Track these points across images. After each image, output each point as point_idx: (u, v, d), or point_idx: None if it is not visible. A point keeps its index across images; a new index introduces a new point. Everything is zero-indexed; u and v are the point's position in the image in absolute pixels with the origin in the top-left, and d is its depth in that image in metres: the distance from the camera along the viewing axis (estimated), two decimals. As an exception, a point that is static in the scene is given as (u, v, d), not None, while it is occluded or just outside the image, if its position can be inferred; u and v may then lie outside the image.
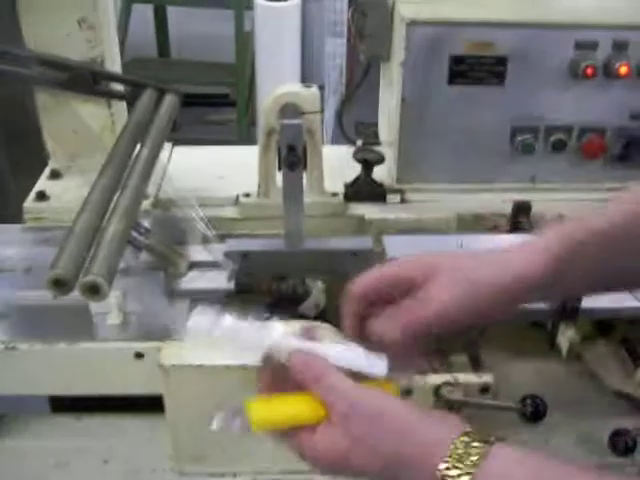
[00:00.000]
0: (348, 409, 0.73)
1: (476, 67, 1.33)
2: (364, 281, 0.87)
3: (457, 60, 1.33)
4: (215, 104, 4.73)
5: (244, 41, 4.00)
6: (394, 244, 1.20)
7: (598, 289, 0.90)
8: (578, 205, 1.44)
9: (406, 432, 0.71)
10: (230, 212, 1.40)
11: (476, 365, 1.17)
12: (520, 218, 1.36)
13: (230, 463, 1.15)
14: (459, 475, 0.65)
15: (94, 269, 0.87)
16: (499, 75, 1.34)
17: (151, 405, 1.22)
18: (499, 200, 1.42)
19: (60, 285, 0.87)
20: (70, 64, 1.38)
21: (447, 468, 0.66)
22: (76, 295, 1.06)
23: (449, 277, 0.82)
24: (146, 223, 1.16)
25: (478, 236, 1.26)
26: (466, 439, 0.68)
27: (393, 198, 1.44)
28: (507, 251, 0.84)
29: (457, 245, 1.19)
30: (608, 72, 1.34)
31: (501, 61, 1.33)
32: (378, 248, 1.21)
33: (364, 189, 1.42)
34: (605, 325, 1.28)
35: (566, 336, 1.13)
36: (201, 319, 0.82)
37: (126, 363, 1.08)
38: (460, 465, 0.66)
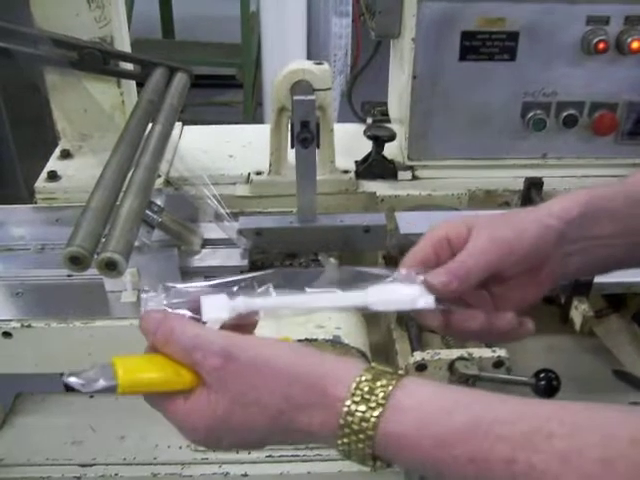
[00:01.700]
0: (221, 361, 0.64)
1: (487, 43, 1.32)
2: (416, 256, 0.81)
3: (468, 36, 1.32)
4: (221, 86, 4.72)
5: (250, 21, 3.98)
6: (407, 220, 1.20)
7: (625, 258, 0.86)
8: (589, 181, 1.44)
9: (297, 374, 0.63)
10: (242, 190, 1.39)
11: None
12: (532, 194, 1.36)
13: (245, 439, 1.16)
14: (366, 412, 0.59)
15: (111, 246, 0.87)
16: (510, 51, 1.33)
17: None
18: (510, 176, 1.42)
19: (77, 262, 0.87)
20: (80, 43, 1.38)
21: (350, 406, 0.60)
22: (90, 273, 1.07)
23: (484, 228, 0.80)
24: (159, 201, 1.16)
25: (490, 212, 1.25)
26: (370, 374, 0.61)
27: (404, 175, 1.44)
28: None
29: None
30: (620, 47, 1.33)
31: (512, 37, 1.32)
32: (390, 224, 1.21)
33: (375, 166, 1.42)
34: (617, 300, 1.28)
35: (580, 310, 1.13)
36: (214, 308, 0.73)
37: (142, 341, 1.08)
38: (366, 402, 0.59)
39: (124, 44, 1.48)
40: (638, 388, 1.25)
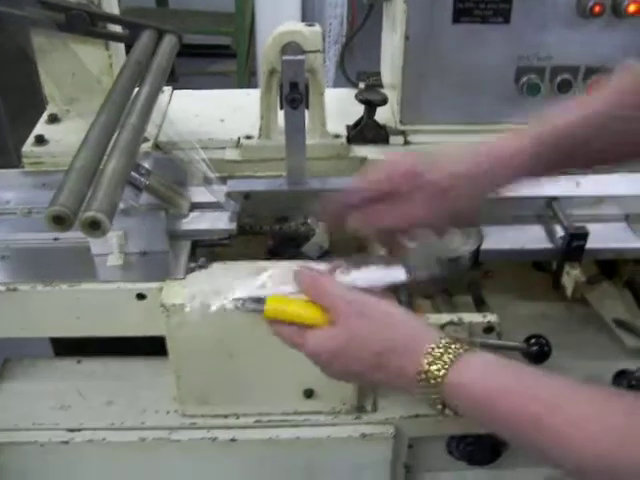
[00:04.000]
0: (345, 307, 0.82)
1: (481, 5, 1.30)
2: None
3: (462, -3, 1.29)
4: (216, 55, 4.68)
5: (244, -11, 3.94)
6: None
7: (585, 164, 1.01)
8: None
9: (397, 329, 0.80)
10: (231, 154, 1.38)
11: (480, 305, 1.17)
12: (525, 160, 1.34)
13: (233, 405, 1.16)
14: (438, 369, 0.75)
15: (94, 205, 0.86)
16: (504, 13, 1.31)
17: (152, 349, 1.23)
18: (503, 142, 1.40)
19: (60, 222, 0.85)
20: (67, 5, 1.35)
21: (428, 363, 0.75)
22: (77, 236, 1.06)
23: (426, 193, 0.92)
24: (147, 164, 1.15)
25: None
26: (447, 341, 0.77)
27: (396, 140, 1.42)
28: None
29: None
30: (616, 10, 1.30)
31: (506, -2, 1.30)
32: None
33: (367, 131, 1.40)
34: (610, 267, 1.28)
35: (571, 276, 1.12)
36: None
37: (128, 304, 1.08)
38: (440, 361, 0.75)
39: (112, 6, 1.45)
40: (637, 335, 1.25)
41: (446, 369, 0.74)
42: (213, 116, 1.50)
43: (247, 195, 1.17)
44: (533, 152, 0.91)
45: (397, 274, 0.89)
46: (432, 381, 0.75)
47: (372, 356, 0.80)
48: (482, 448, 1.22)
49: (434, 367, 0.75)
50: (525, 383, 0.74)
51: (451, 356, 0.75)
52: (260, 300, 0.88)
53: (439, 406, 0.77)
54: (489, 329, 1.08)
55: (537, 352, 1.11)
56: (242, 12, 3.99)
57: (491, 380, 0.74)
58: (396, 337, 0.80)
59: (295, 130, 1.14)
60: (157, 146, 1.37)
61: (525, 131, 0.94)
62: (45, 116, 1.48)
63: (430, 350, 0.76)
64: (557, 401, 0.71)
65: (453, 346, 0.76)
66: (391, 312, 0.83)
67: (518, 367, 0.77)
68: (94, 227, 0.85)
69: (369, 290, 0.86)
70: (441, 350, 0.76)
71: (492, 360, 0.77)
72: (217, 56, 4.71)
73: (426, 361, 0.76)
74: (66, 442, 1.16)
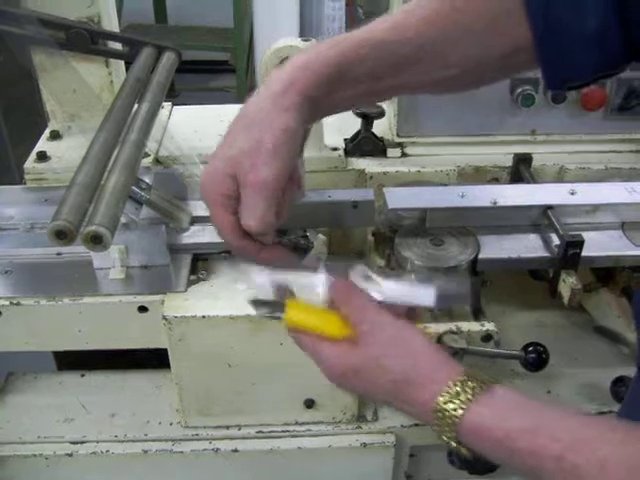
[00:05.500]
0: (371, 327, 0.79)
1: (476, 18, 1.32)
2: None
3: (456, 11, 1.31)
4: (215, 71, 4.71)
5: (242, 6, 3.97)
6: (395, 196, 1.20)
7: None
8: (578, 157, 1.44)
9: (418, 360, 0.77)
10: (231, 168, 1.39)
11: (478, 314, 1.18)
12: (521, 170, 1.36)
13: (235, 416, 1.17)
14: (455, 409, 0.72)
15: (96, 219, 0.87)
16: (499, 26, 1.33)
17: (155, 363, 1.24)
18: (499, 152, 1.42)
19: (62, 236, 0.87)
20: (67, 23, 1.37)
21: (445, 401, 0.72)
22: (79, 251, 1.08)
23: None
24: (147, 179, 1.16)
25: (479, 186, 1.25)
26: (464, 378, 0.74)
27: (393, 152, 1.43)
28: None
29: (459, 195, 1.19)
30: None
31: (500, 12, 1.31)
32: (379, 201, 1.21)
33: (364, 143, 1.42)
34: (606, 275, 1.29)
35: (568, 283, 1.13)
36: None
37: (130, 317, 1.09)
38: (457, 400, 0.72)
39: (112, 24, 1.47)
40: (617, 342, 1.26)
41: (463, 409, 0.72)
42: (213, 131, 1.50)
43: (247, 208, 1.18)
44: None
45: (425, 298, 0.84)
46: (448, 420, 0.72)
47: (386, 383, 0.77)
48: (483, 457, 1.22)
49: (451, 406, 0.72)
50: (548, 423, 0.71)
51: (469, 395, 0.73)
52: (276, 304, 0.84)
53: (453, 443, 0.74)
54: (487, 337, 1.10)
55: (535, 360, 1.12)
56: (241, 28, 4.02)
57: (511, 421, 0.71)
58: (414, 369, 0.77)
59: (293, 143, 1.15)
60: (158, 161, 1.39)
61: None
62: (47, 133, 1.49)
63: (447, 388, 0.73)
64: (581, 441, 0.68)
65: (470, 384, 0.74)
66: (413, 341, 0.79)
67: (537, 406, 0.73)
68: (96, 241, 0.86)
69: (393, 306, 0.83)
70: (458, 388, 0.73)
71: (511, 399, 0.74)
72: (217, 72, 4.74)
73: (442, 399, 0.73)
74: (70, 455, 1.17)
